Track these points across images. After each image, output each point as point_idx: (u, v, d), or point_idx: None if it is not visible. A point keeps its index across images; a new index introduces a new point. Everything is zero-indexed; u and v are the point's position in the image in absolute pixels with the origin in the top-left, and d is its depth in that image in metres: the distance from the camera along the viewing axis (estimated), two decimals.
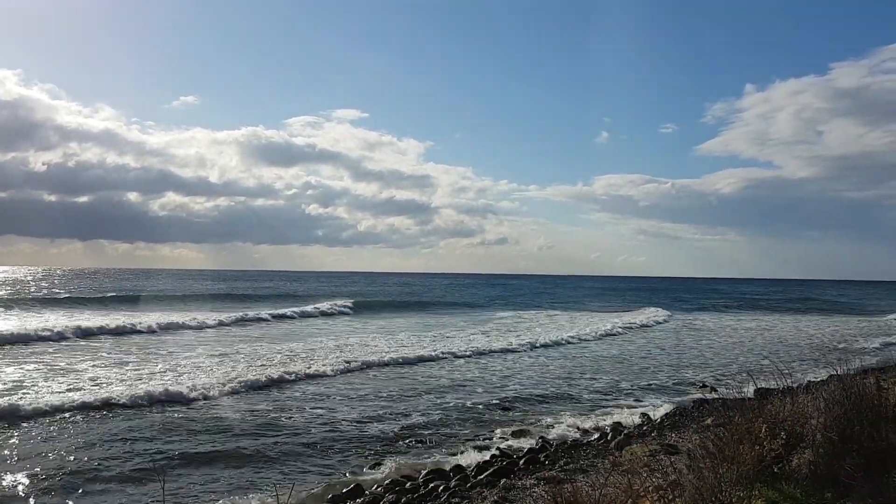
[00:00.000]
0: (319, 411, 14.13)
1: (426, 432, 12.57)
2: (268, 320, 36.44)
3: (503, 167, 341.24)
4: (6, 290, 61.44)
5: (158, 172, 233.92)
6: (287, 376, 17.71)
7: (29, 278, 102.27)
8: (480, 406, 14.96)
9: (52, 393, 14.84)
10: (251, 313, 37.68)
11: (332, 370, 18.95)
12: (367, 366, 20.15)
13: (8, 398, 13.94)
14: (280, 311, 39.51)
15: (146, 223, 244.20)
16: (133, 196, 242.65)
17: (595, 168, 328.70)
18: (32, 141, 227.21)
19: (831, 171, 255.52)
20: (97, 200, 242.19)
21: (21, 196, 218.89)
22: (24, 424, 12.33)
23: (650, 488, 5.69)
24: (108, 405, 13.79)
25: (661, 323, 41.38)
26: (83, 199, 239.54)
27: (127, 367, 18.92)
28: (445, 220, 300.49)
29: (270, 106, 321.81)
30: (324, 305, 44.84)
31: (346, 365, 19.86)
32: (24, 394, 14.70)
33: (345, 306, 45.50)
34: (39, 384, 16.02)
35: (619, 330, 34.56)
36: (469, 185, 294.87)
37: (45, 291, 61.18)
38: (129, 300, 50.82)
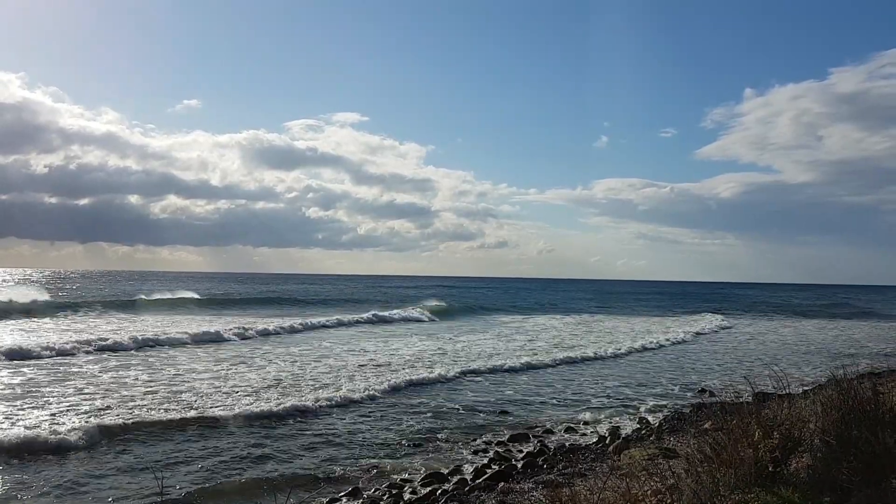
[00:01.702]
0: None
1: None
2: (372, 322, 37.93)
3: (503, 171, 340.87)
4: (50, 294, 59.23)
5: (160, 175, 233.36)
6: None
7: (45, 281, 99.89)
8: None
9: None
10: (346, 318, 38.38)
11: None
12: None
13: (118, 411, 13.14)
14: (353, 317, 39.55)
15: (147, 226, 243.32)
16: (134, 199, 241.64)
17: (594, 172, 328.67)
18: (35, 144, 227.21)
19: (830, 176, 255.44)
20: (98, 203, 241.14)
21: (22, 198, 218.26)
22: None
23: (648, 492, 5.71)
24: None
25: (725, 328, 40.93)
26: (84, 201, 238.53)
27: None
28: (445, 223, 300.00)
29: (271, 109, 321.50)
30: (407, 312, 45.13)
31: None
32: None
33: (423, 312, 45.84)
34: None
35: (690, 337, 34.20)
36: (469, 188, 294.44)
37: (93, 294, 57.94)
38: (177, 304, 47.69)
